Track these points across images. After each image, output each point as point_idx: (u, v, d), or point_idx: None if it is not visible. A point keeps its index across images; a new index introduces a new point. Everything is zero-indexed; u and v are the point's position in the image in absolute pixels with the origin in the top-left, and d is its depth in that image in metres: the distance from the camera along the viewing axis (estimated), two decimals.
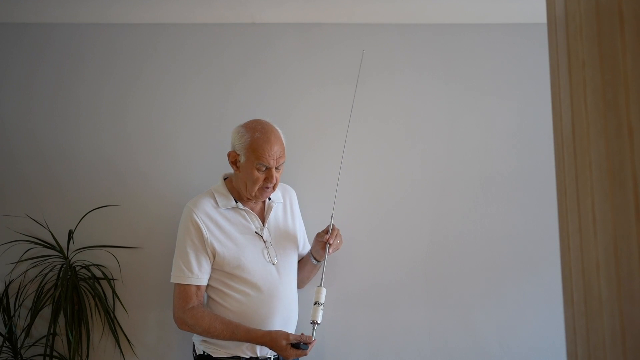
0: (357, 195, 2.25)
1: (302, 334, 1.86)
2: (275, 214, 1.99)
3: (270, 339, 1.80)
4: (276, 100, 2.27)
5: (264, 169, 1.85)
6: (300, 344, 1.80)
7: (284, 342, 1.79)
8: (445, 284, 2.23)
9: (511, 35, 2.32)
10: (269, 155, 1.84)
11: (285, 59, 2.30)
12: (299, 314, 1.98)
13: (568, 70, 1.01)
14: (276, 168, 1.87)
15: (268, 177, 1.85)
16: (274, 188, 1.90)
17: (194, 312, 1.83)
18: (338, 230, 1.97)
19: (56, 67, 2.27)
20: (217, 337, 1.82)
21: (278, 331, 1.82)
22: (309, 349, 1.82)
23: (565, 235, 1.05)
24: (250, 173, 1.86)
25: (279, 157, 1.87)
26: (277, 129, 1.91)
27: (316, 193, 2.19)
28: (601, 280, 0.89)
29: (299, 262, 2.05)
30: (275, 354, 1.87)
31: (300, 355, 1.83)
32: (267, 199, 1.99)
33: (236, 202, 1.93)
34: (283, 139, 1.91)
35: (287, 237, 1.98)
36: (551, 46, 1.12)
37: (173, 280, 1.87)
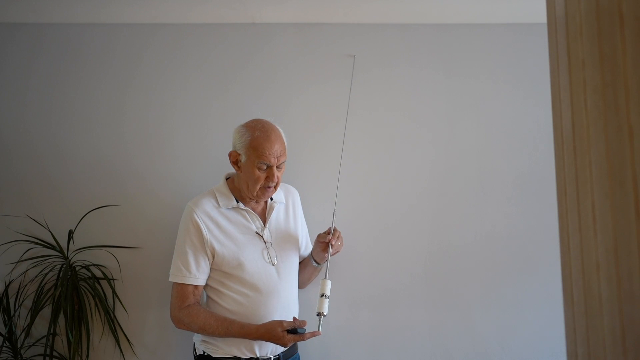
0: (358, 195, 2.24)
1: (294, 318, 1.86)
2: (277, 214, 1.99)
3: (265, 331, 1.80)
4: (275, 100, 2.27)
5: (264, 167, 1.84)
6: (296, 329, 1.80)
7: (279, 330, 1.79)
8: (446, 284, 2.23)
9: (511, 35, 2.32)
10: (269, 154, 1.83)
11: (285, 59, 2.30)
12: (299, 315, 1.97)
13: (568, 70, 1.01)
14: (277, 167, 1.87)
15: (269, 176, 1.85)
16: (275, 188, 1.90)
17: (190, 310, 1.84)
18: (339, 232, 1.97)
19: (53, 67, 2.27)
20: (213, 334, 1.83)
21: (271, 321, 1.82)
22: (306, 335, 1.81)
23: (565, 235, 1.05)
24: (251, 172, 1.85)
25: (280, 156, 1.86)
26: (278, 127, 1.91)
27: (316, 193, 2.19)
28: (601, 280, 0.89)
29: (300, 263, 2.05)
30: (276, 354, 1.87)
31: (298, 340, 1.82)
32: (269, 199, 1.99)
33: (237, 202, 1.92)
34: (284, 137, 1.91)
35: (288, 238, 1.98)
36: (551, 46, 1.12)
37: (171, 279, 1.88)
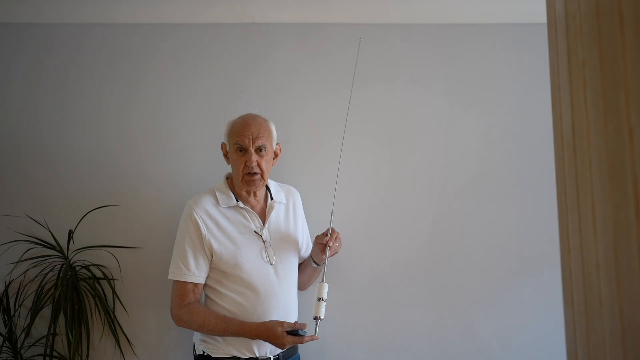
0: (358, 195, 2.24)
1: (295, 321, 1.86)
2: (277, 214, 1.99)
3: (264, 329, 1.80)
4: (276, 100, 2.27)
5: (240, 150, 1.87)
6: (297, 331, 1.79)
7: (279, 330, 1.79)
8: (445, 283, 2.23)
9: (511, 35, 2.32)
10: (243, 135, 1.86)
11: (286, 59, 2.30)
12: (298, 316, 1.97)
13: (568, 70, 1.01)
14: (258, 151, 1.87)
15: (247, 160, 1.86)
16: (263, 177, 1.90)
17: (190, 308, 1.84)
18: (338, 233, 1.96)
19: (58, 67, 2.26)
20: (212, 331, 1.83)
21: (271, 321, 1.82)
22: (305, 338, 1.80)
23: (565, 235, 1.05)
24: (233, 159, 1.90)
25: (257, 138, 1.87)
26: (264, 118, 1.94)
27: (316, 193, 2.19)
28: (601, 280, 0.89)
29: (300, 265, 2.04)
30: (275, 354, 1.87)
31: (297, 343, 1.83)
32: (270, 199, 1.99)
33: (237, 201, 1.93)
34: (269, 125, 1.93)
35: (288, 238, 1.97)
36: (551, 46, 1.12)
37: (170, 277, 1.89)
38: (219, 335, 1.84)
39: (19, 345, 2.08)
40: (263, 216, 1.96)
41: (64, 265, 2.12)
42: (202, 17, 2.26)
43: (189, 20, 2.27)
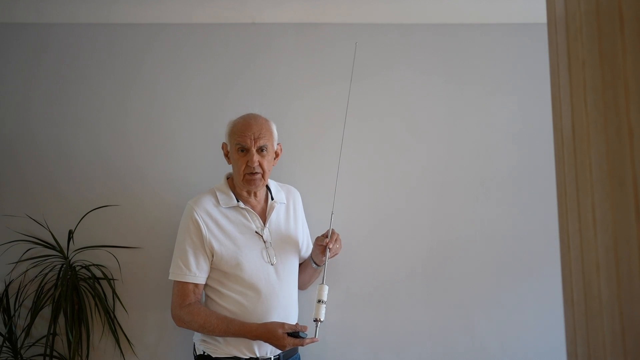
0: (357, 195, 2.24)
1: (297, 323, 1.86)
2: (277, 214, 1.99)
3: (265, 330, 1.80)
4: (275, 100, 2.27)
5: (242, 150, 1.88)
6: (298, 332, 1.79)
7: (280, 331, 1.79)
8: (446, 284, 2.23)
9: (511, 35, 2.32)
10: (245, 135, 1.87)
11: (285, 59, 2.30)
12: (299, 316, 1.97)
13: (568, 70, 1.01)
14: (259, 152, 1.88)
15: (248, 160, 1.86)
16: (264, 177, 1.90)
17: (191, 309, 1.84)
18: (338, 234, 1.96)
19: (55, 67, 2.26)
20: (213, 332, 1.83)
21: (272, 322, 1.82)
22: (305, 340, 1.80)
23: (565, 235, 1.05)
24: (234, 159, 1.90)
25: (258, 138, 1.87)
26: (265, 117, 1.94)
27: (316, 193, 2.19)
28: (601, 280, 0.89)
29: (300, 265, 2.04)
30: (276, 354, 1.87)
31: (298, 345, 1.83)
32: (270, 199, 1.99)
33: (237, 201, 1.93)
34: (270, 125, 1.93)
35: (288, 238, 1.97)
36: (551, 46, 1.12)
37: (171, 277, 1.89)
38: (220, 336, 1.85)
39: (19, 345, 2.08)
40: (263, 216, 1.96)
41: (64, 265, 2.12)
42: (201, 17, 2.25)
43: (188, 20, 2.27)
